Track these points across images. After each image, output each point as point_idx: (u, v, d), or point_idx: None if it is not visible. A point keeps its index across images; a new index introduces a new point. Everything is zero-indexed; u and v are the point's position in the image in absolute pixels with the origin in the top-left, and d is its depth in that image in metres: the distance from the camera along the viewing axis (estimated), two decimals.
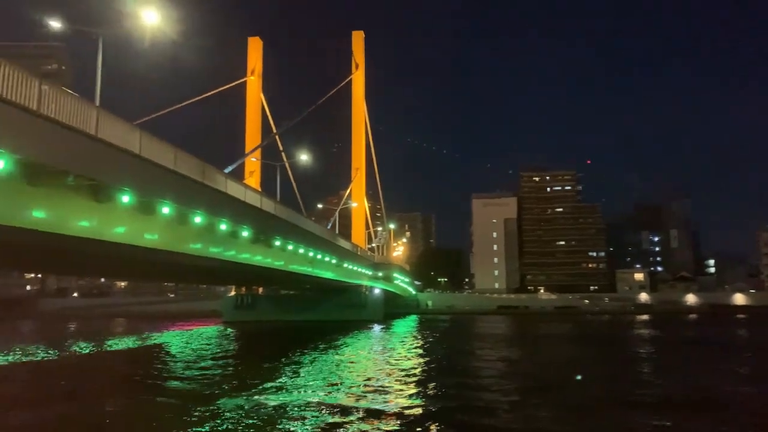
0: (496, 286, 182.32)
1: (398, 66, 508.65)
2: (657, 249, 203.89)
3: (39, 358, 44.12)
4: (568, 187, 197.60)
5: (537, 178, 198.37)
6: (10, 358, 43.36)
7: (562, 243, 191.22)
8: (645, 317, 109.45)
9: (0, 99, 17.18)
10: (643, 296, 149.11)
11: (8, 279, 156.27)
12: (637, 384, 30.37)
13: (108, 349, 54.11)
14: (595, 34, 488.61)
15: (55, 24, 29.14)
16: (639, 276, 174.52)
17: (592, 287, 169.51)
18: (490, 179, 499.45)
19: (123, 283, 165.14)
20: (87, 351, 51.24)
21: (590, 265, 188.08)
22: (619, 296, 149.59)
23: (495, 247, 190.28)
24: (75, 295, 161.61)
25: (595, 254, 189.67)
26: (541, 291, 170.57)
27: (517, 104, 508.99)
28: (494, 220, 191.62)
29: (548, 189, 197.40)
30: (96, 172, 22.13)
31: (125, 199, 24.18)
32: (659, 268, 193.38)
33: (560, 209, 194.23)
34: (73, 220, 23.41)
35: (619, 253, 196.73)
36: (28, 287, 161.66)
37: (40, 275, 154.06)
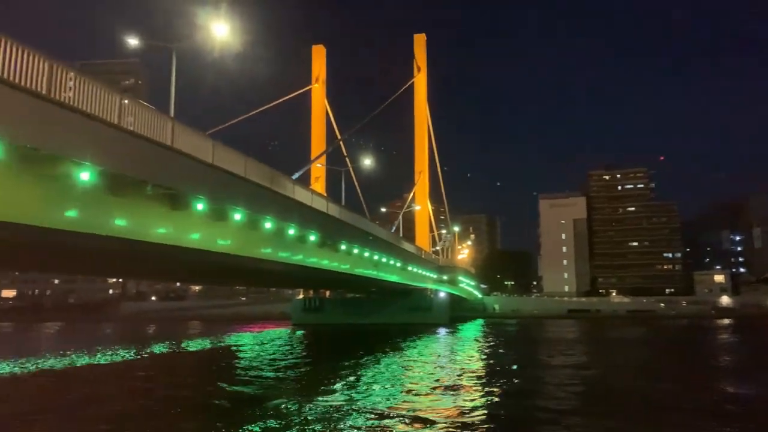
0: (566, 289, 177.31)
1: (460, 66, 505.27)
2: (738, 249, 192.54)
3: (123, 359, 46.50)
4: (641, 185, 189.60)
5: (607, 177, 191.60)
6: (96, 359, 45.88)
7: (635, 244, 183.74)
8: (726, 321, 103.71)
9: (85, 114, 18.22)
10: (725, 299, 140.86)
11: (92, 284, 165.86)
12: (718, 394, 28.66)
13: (184, 350, 56.38)
14: (664, 25, 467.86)
15: (132, 41, 30.80)
16: (719, 278, 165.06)
17: (667, 290, 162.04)
18: (557, 179, 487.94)
19: (197, 287, 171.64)
20: (165, 351, 53.63)
21: (665, 267, 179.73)
22: (697, 299, 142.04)
23: (564, 248, 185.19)
24: (153, 298, 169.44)
25: (670, 255, 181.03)
26: (613, 294, 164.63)
27: (583, 101, 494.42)
28: (562, 221, 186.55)
29: (619, 187, 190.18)
30: (172, 181, 23.09)
31: (200, 206, 25.09)
32: (741, 269, 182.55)
33: (632, 208, 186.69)
34: (152, 228, 24.53)
35: (697, 254, 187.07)
36: (110, 291, 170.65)
37: (121, 280, 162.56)
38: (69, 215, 20.17)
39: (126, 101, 20.30)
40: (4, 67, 15.24)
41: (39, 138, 16.68)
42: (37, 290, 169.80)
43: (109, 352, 50.59)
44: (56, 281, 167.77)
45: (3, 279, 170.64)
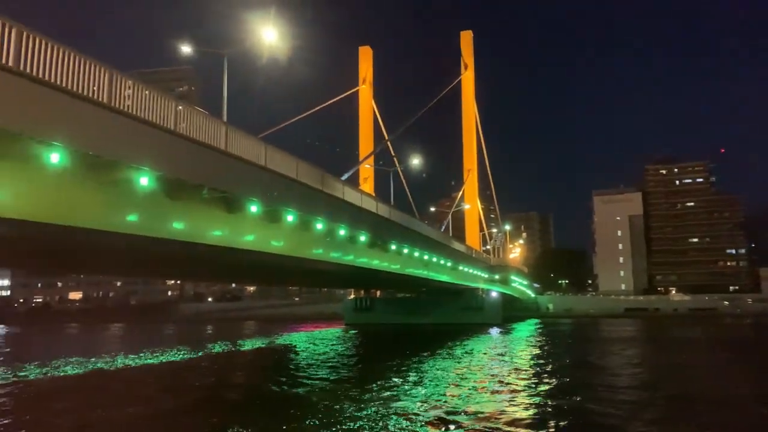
0: (622, 287, 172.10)
1: (510, 62, 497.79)
2: None
3: (184, 357, 47.99)
4: (700, 180, 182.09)
5: (664, 171, 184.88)
6: (159, 358, 47.51)
7: (695, 240, 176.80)
8: None
9: (144, 121, 18.85)
10: None
11: (152, 286, 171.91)
12: None
13: (241, 349, 57.70)
14: (722, 15, 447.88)
15: (185, 48, 31.74)
16: None
17: (731, 287, 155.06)
18: (610, 175, 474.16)
19: (252, 288, 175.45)
20: (223, 351, 55.03)
21: (728, 264, 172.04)
22: (764, 297, 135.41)
23: (620, 246, 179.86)
24: (210, 299, 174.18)
25: (733, 251, 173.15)
26: (673, 292, 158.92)
27: (637, 93, 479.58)
28: (618, 218, 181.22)
29: (677, 182, 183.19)
30: (227, 184, 23.61)
31: (253, 209, 25.57)
32: None
33: (691, 203, 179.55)
34: (208, 230, 25.16)
35: (763, 250, 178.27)
36: (169, 293, 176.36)
37: (179, 282, 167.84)
38: (130, 219, 20.90)
39: (181, 107, 20.87)
40: (68, 77, 15.91)
41: (101, 145, 17.34)
42: (101, 292, 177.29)
43: (173, 351, 52.61)
44: (118, 284, 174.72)
45: (70, 282, 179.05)
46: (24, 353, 54.46)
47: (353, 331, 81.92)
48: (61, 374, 36.67)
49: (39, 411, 24.32)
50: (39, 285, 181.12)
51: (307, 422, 21.02)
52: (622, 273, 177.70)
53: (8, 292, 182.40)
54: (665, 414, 23.59)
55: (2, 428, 20.68)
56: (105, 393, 29.57)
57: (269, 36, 30.22)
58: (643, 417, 22.79)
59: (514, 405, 24.31)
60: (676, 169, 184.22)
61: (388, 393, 27.17)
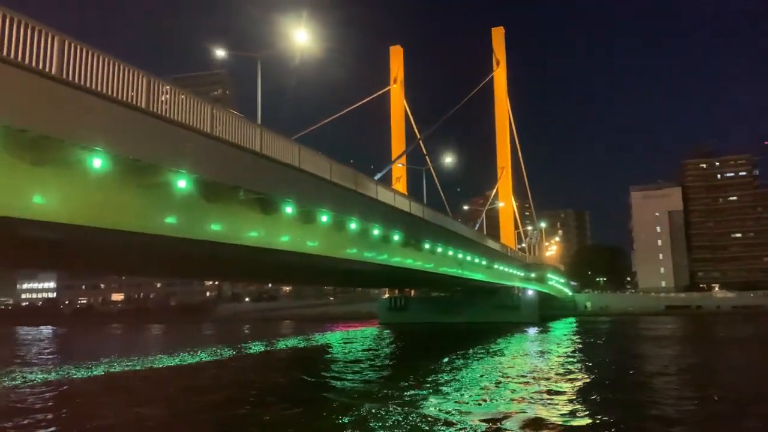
0: (662, 284, 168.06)
1: (544, 57, 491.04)
2: None
3: (223, 357, 48.84)
4: (743, 173, 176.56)
5: (704, 165, 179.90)
6: (200, 357, 48.45)
7: (738, 235, 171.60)
8: None
9: (181, 125, 19.22)
10: None
11: (191, 287, 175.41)
12: None
13: (278, 348, 58.36)
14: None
15: (219, 52, 32.35)
16: None
17: None
18: (648, 169, 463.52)
19: (288, 288, 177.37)
20: (262, 350, 55.78)
21: None
22: None
23: (659, 242, 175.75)
24: (247, 300, 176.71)
25: None
26: (716, 289, 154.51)
27: (674, 87, 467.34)
28: (656, 214, 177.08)
29: (718, 176, 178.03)
30: (263, 186, 23.90)
31: (288, 210, 25.82)
32: None
33: (734, 198, 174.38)
34: (245, 231, 25.52)
35: None
36: (207, 294, 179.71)
37: (217, 283, 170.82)
38: (169, 221, 21.34)
39: (216, 111, 21.21)
40: (108, 83, 16.32)
41: (140, 149, 17.76)
42: (141, 294, 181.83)
43: (213, 350, 53.82)
44: (158, 285, 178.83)
45: (112, 284, 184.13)
46: (74, 352, 56.27)
47: (387, 331, 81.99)
48: (111, 372, 37.80)
49: (90, 407, 25.06)
50: (83, 287, 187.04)
51: (339, 421, 21.08)
52: (661, 270, 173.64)
53: (54, 294, 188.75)
54: (718, 416, 22.71)
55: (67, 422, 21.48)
56: (145, 390, 30.32)
57: (301, 38, 30.54)
58: (698, 420, 22.00)
59: (557, 408, 23.86)
60: (717, 163, 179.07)
61: (423, 393, 27.04)
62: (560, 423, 20.60)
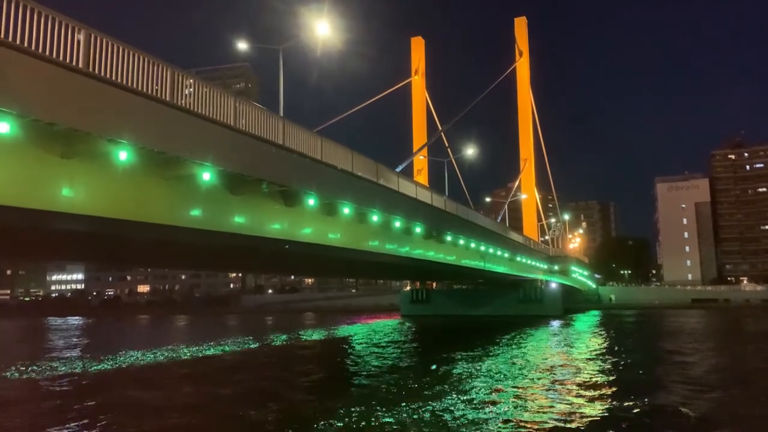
0: (689, 277, 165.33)
1: (567, 47, 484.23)
2: None
3: (249, 348, 49.42)
4: None
5: (732, 156, 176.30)
6: (225, 348, 49.09)
7: None
8: None
9: (205, 118, 19.31)
10: None
11: (215, 279, 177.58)
12: None
13: (302, 339, 58.82)
14: None
15: (241, 45, 32.45)
16: None
17: None
18: (673, 161, 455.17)
19: (310, 280, 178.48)
20: (286, 342, 56.30)
21: None
22: None
23: (685, 234, 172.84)
24: (270, 291, 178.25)
25: None
26: (744, 282, 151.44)
27: (700, 77, 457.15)
28: (683, 205, 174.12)
29: (747, 167, 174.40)
30: (285, 178, 23.92)
31: (311, 202, 25.82)
32: None
33: (764, 189, 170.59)
34: (268, 224, 25.63)
35: None
36: (231, 286, 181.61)
37: (240, 275, 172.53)
38: (193, 214, 21.51)
39: (239, 104, 21.26)
40: (133, 76, 16.43)
41: (165, 142, 17.86)
42: (167, 285, 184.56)
43: (240, 341, 54.75)
44: (183, 277, 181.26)
45: (138, 275, 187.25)
46: (106, 343, 57.59)
47: (409, 323, 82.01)
48: (142, 362, 38.56)
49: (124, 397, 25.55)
50: (110, 279, 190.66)
51: (360, 413, 21.11)
52: (688, 262, 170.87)
53: (82, 285, 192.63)
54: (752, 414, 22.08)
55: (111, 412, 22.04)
56: (178, 379, 30.81)
57: (323, 30, 30.47)
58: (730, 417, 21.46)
59: (581, 403, 23.64)
60: (746, 154, 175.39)
61: (445, 386, 27.02)
62: (578, 421, 20.29)
